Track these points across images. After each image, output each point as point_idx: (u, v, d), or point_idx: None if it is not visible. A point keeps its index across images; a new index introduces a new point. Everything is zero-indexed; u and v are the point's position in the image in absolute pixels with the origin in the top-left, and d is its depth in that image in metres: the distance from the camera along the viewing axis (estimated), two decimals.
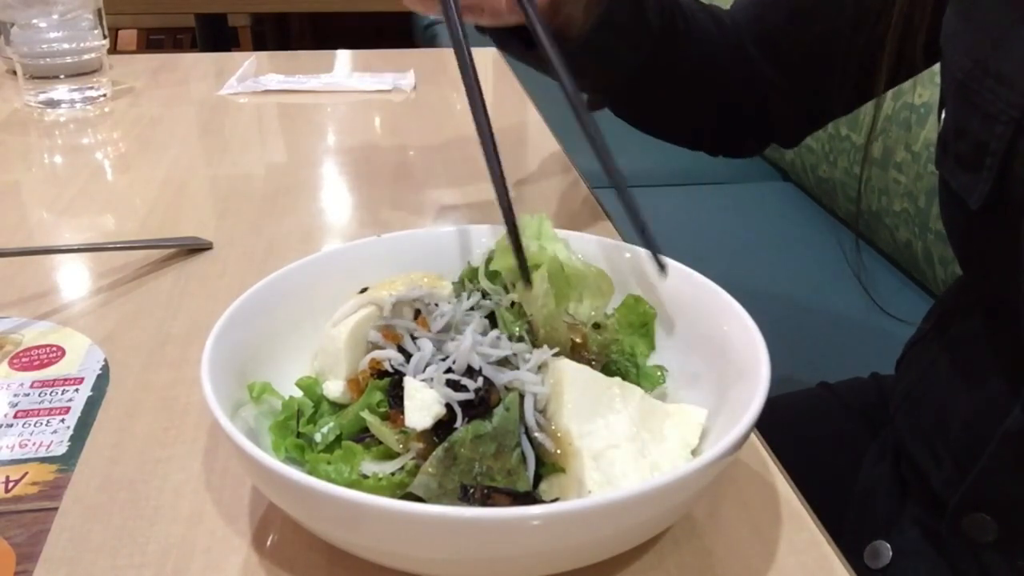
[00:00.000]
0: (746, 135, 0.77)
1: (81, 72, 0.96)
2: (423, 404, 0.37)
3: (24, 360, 0.49)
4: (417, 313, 0.44)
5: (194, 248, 0.62)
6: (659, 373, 0.44)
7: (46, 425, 0.44)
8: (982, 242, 0.54)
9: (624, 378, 0.41)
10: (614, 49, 0.64)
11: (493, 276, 0.47)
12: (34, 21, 0.93)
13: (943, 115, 0.55)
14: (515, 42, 0.63)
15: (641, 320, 0.46)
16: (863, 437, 0.70)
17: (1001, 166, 0.48)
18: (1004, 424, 0.50)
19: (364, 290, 0.45)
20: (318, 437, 0.39)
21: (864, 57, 0.64)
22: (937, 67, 0.59)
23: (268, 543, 0.37)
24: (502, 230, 0.46)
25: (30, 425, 0.44)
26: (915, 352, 0.66)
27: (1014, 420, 0.49)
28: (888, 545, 0.59)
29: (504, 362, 0.40)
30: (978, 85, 0.49)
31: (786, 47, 0.70)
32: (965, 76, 0.51)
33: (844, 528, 0.63)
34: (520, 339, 0.41)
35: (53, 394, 0.46)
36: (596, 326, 0.44)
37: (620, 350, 0.43)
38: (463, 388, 0.37)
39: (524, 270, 0.43)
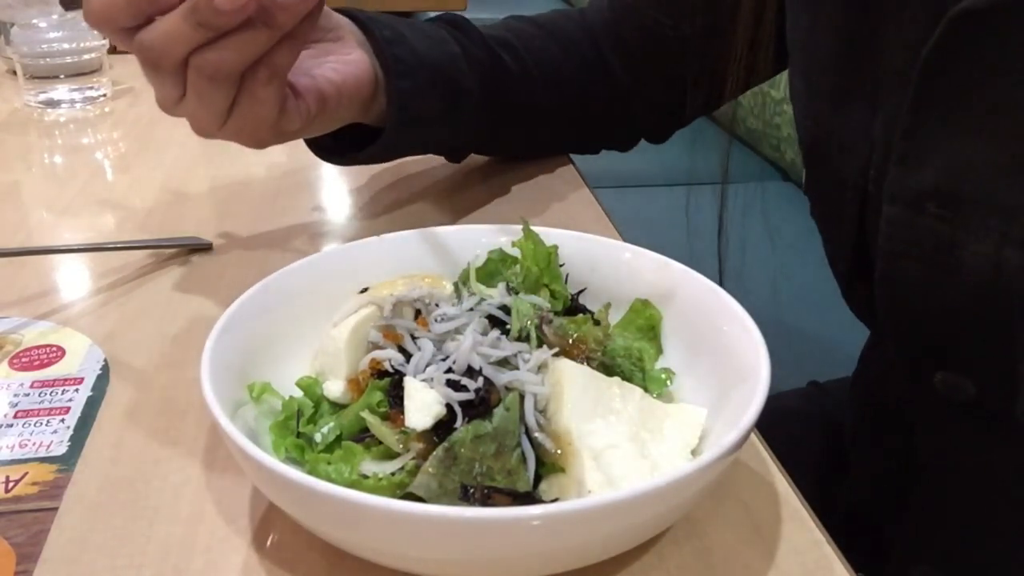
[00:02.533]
0: (612, 137, 0.77)
1: (81, 72, 0.96)
2: (423, 404, 0.37)
3: (24, 360, 0.49)
4: (417, 313, 0.44)
5: (194, 248, 0.62)
6: (665, 376, 0.44)
7: (46, 425, 0.44)
8: (859, 298, 0.55)
9: (630, 383, 0.41)
10: (428, 137, 0.62)
11: (488, 278, 0.47)
12: (34, 21, 0.93)
13: (804, 162, 0.55)
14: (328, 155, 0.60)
15: (648, 324, 0.46)
16: (852, 437, 0.70)
17: (857, 231, 0.48)
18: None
19: (365, 290, 0.45)
20: (318, 437, 0.39)
21: (715, 65, 0.64)
22: None
23: (268, 543, 0.37)
24: (501, 230, 0.46)
25: (30, 425, 0.44)
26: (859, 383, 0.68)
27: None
28: None
29: (504, 362, 0.40)
30: (824, 148, 0.49)
31: (638, 55, 0.69)
32: (811, 139, 0.51)
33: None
34: (527, 337, 0.41)
35: (53, 394, 0.46)
36: (595, 322, 0.44)
37: (627, 354, 0.43)
38: (463, 388, 0.37)
39: None
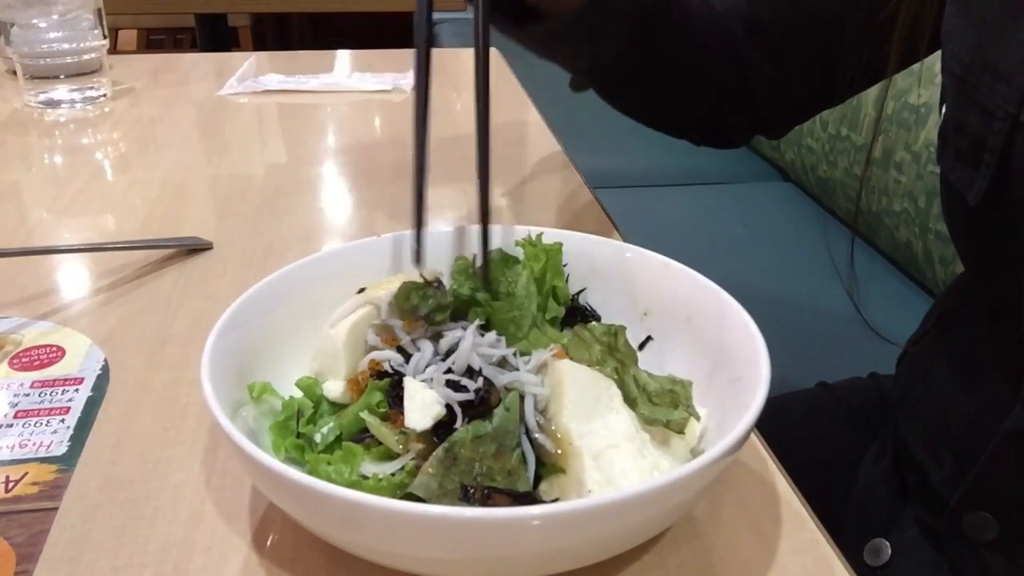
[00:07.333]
0: (731, 126, 0.76)
1: (81, 72, 0.96)
2: (423, 405, 0.37)
3: (24, 360, 0.49)
4: None
5: (194, 248, 0.62)
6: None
7: (46, 425, 0.44)
8: (982, 238, 0.54)
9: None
10: (604, 29, 0.62)
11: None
12: (34, 21, 0.93)
13: (943, 109, 0.54)
14: (502, 16, 0.61)
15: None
16: (862, 437, 0.70)
17: (999, 162, 0.47)
18: (1004, 423, 0.50)
19: (362, 290, 0.45)
20: (318, 437, 0.39)
21: (870, 45, 0.63)
22: (938, 66, 0.59)
23: (268, 543, 0.37)
24: (502, 230, 0.46)
25: (30, 425, 0.44)
26: (916, 350, 0.66)
27: (1014, 419, 0.49)
28: (887, 543, 0.59)
29: (504, 362, 0.40)
30: (976, 80, 0.49)
31: (782, 37, 0.68)
32: (963, 71, 0.50)
33: (844, 527, 0.63)
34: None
35: (53, 394, 0.46)
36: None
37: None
38: (463, 388, 0.37)
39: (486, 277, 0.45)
